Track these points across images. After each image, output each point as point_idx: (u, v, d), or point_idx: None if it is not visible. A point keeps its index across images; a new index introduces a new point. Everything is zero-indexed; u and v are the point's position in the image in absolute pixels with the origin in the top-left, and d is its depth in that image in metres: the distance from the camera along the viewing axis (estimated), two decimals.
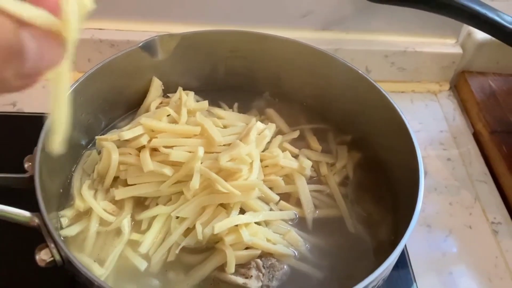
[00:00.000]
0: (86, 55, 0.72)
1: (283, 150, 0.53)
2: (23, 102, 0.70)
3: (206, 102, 0.55)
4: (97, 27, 0.72)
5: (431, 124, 0.77)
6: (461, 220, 0.65)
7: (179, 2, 0.70)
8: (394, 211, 0.50)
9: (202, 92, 0.60)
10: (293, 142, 0.56)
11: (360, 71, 0.54)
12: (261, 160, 0.51)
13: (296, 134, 0.56)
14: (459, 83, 0.84)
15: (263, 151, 0.52)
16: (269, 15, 0.73)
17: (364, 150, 0.57)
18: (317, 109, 0.60)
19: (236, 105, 0.60)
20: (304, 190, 0.50)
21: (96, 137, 0.53)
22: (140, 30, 0.73)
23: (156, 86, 0.57)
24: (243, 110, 0.60)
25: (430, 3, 0.66)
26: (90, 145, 0.55)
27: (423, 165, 0.71)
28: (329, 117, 0.60)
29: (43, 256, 0.39)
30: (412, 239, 0.60)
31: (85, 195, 0.49)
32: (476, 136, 0.77)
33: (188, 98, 0.55)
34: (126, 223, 0.48)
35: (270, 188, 0.50)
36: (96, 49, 0.73)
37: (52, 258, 0.39)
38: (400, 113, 0.50)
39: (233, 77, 0.61)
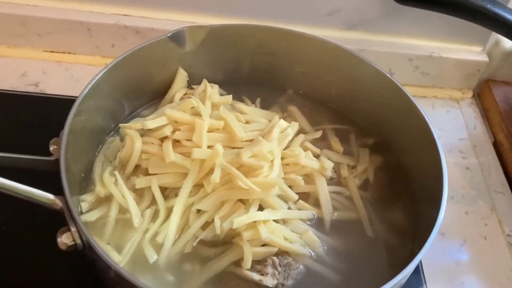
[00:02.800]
0: (110, 40, 0.73)
1: (305, 149, 0.53)
2: (46, 83, 0.70)
3: (230, 97, 0.56)
4: (122, 13, 0.72)
5: (451, 131, 0.77)
6: (476, 230, 0.65)
7: None
8: (413, 218, 0.50)
9: (225, 86, 0.60)
10: (315, 142, 0.56)
11: (387, 74, 0.54)
12: (282, 158, 0.51)
13: (318, 134, 0.56)
14: (482, 92, 0.83)
15: (284, 149, 0.52)
16: (295, 11, 0.72)
17: (386, 154, 0.56)
18: (340, 110, 0.60)
19: (258, 100, 0.60)
20: (324, 190, 0.50)
21: (120, 124, 0.53)
22: (165, 19, 0.73)
23: (181, 77, 0.58)
24: (265, 106, 0.60)
25: (461, 9, 0.65)
26: (113, 132, 0.56)
27: None
28: (352, 119, 0.59)
29: (64, 240, 0.40)
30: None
31: (107, 181, 0.49)
32: (497, 146, 0.76)
33: (213, 91, 0.55)
34: (146, 212, 0.48)
35: (290, 187, 0.50)
36: (120, 35, 0.72)
37: (73, 242, 0.40)
38: (427, 120, 0.49)
39: (257, 72, 0.61)
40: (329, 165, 0.51)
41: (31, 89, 0.68)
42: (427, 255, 0.59)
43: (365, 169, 0.55)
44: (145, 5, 0.72)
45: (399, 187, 0.53)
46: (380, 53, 0.76)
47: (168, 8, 0.72)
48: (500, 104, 0.79)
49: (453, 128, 0.77)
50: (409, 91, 0.78)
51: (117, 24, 0.71)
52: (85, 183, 0.51)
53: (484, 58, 0.78)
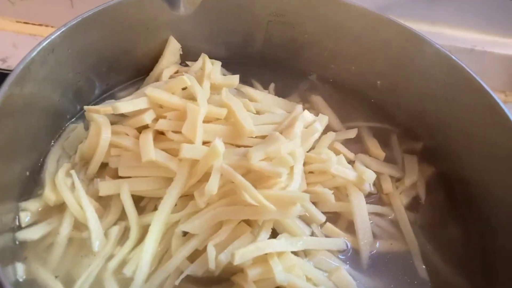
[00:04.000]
0: None
1: (335, 152, 0.39)
2: (15, 59, 0.58)
3: (236, 77, 0.41)
4: None
5: None
6: None
7: None
8: (484, 253, 0.36)
9: (229, 65, 0.46)
10: (346, 143, 0.42)
11: (456, 59, 0.40)
12: (305, 164, 0.37)
13: (353, 133, 0.42)
14: None
15: (308, 151, 0.38)
16: None
17: (440, 164, 0.42)
18: (381, 103, 0.46)
19: (272, 85, 0.46)
20: (362, 211, 0.36)
21: (85, 106, 0.39)
22: None
23: (173, 49, 0.44)
24: (281, 93, 0.45)
25: None
26: (77, 117, 0.42)
27: None
28: (395, 116, 0.45)
29: None
30: None
31: (60, 183, 0.35)
32: None
33: (213, 69, 0.41)
34: (111, 230, 0.34)
35: (314, 204, 0.36)
36: None
37: None
38: None
39: (273, 49, 0.47)
40: (371, 176, 0.37)
41: None
42: None
43: (414, 183, 0.40)
44: None
45: (465, 213, 0.39)
46: None
47: None
48: None
49: None
50: None
51: None
52: (31, 185, 0.37)
53: None
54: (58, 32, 0.36)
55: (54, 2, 0.62)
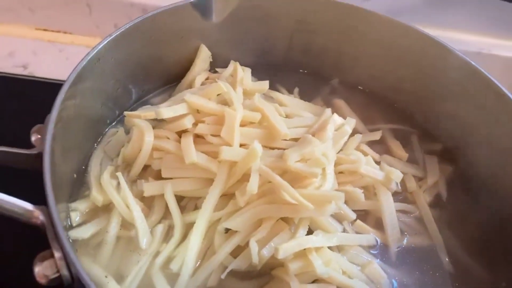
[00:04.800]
0: (113, 19, 0.63)
1: (362, 154, 0.41)
2: (36, 65, 0.61)
3: (266, 83, 0.44)
4: None
5: None
6: None
7: None
8: (505, 251, 0.39)
9: (256, 71, 0.49)
10: (369, 145, 0.45)
11: (473, 63, 0.42)
12: (335, 165, 0.39)
13: (377, 135, 0.45)
14: None
15: (337, 153, 0.40)
16: None
17: (459, 163, 0.45)
18: (401, 106, 0.48)
19: (296, 90, 0.49)
20: (390, 209, 0.39)
21: (125, 112, 0.41)
22: None
23: (204, 57, 0.46)
24: (305, 97, 0.48)
25: None
26: (116, 121, 0.44)
27: None
28: (415, 118, 0.48)
29: (45, 270, 0.28)
30: None
31: (106, 185, 0.37)
32: None
33: (245, 75, 0.43)
34: (156, 228, 0.36)
35: (344, 202, 0.39)
36: (124, 13, 0.63)
37: (57, 274, 0.28)
38: None
39: (297, 55, 0.50)
40: (398, 176, 0.40)
41: (19, 71, 0.61)
42: None
43: (435, 182, 0.43)
44: None
45: (482, 208, 0.42)
46: None
47: None
48: None
49: None
50: None
51: (122, 1, 0.62)
52: (78, 187, 0.39)
53: None
54: (105, 42, 0.38)
55: (73, 10, 0.63)
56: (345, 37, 0.47)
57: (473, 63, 0.43)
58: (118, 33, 0.39)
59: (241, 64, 0.47)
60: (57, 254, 0.28)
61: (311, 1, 0.45)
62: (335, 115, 0.41)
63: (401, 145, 0.45)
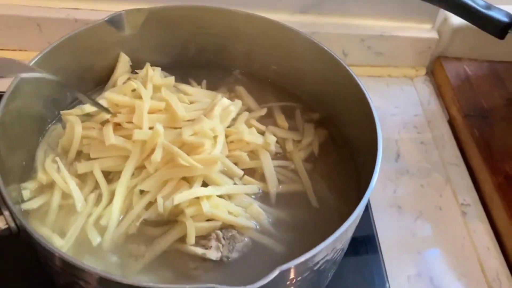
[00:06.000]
0: (61, 34, 0.71)
1: (250, 126, 0.53)
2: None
3: (172, 78, 0.55)
4: (72, 7, 0.71)
5: (406, 108, 0.78)
6: (431, 201, 0.66)
7: None
8: (358, 186, 0.51)
9: (172, 69, 0.60)
10: (261, 119, 0.56)
11: (324, 47, 0.54)
12: (227, 136, 0.51)
13: (263, 111, 0.56)
14: (435, 68, 0.84)
15: (228, 127, 0.52)
16: None
17: (331, 128, 0.57)
18: (286, 87, 0.60)
19: (204, 82, 0.60)
20: (268, 165, 0.50)
21: (61, 111, 0.52)
22: (119, 10, 0.72)
23: (124, 62, 0.57)
24: (213, 87, 0.59)
25: None
26: (56, 120, 0.55)
27: (397, 148, 0.72)
28: (298, 95, 0.60)
29: None
30: (382, 220, 0.61)
31: (48, 168, 0.48)
32: (450, 120, 0.78)
33: (154, 74, 0.55)
34: (89, 197, 0.47)
35: (235, 164, 0.50)
36: (71, 28, 0.70)
37: (7, 226, 0.39)
38: (364, 91, 0.49)
39: (203, 53, 0.61)
40: (272, 139, 0.51)
41: None
42: (384, 229, 0.61)
43: (310, 143, 0.55)
44: None
45: (344, 159, 0.54)
46: (333, 35, 0.76)
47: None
48: (452, 80, 0.81)
49: (408, 105, 0.79)
50: (363, 71, 0.82)
51: (67, 18, 0.70)
52: (27, 171, 0.50)
53: (434, 35, 0.80)
54: (37, 58, 0.48)
55: (25, 30, 0.71)
56: (236, 36, 0.58)
57: (323, 46, 0.54)
58: (46, 51, 0.49)
59: (159, 65, 0.58)
60: (5, 212, 0.39)
61: (206, 11, 0.56)
62: (224, 98, 0.53)
63: (286, 117, 0.57)
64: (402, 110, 0.78)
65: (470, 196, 0.68)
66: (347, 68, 0.52)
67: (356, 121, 0.52)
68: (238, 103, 0.54)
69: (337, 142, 0.55)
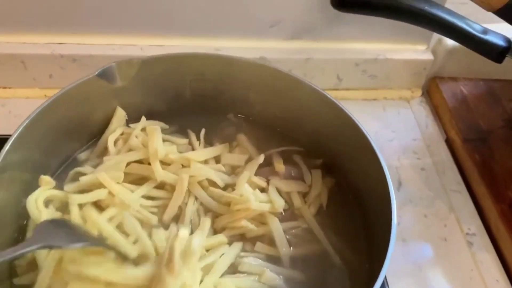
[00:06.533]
0: (47, 71, 0.69)
1: (250, 182, 0.50)
2: None
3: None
4: (57, 42, 0.69)
5: (404, 132, 0.77)
6: (436, 232, 0.65)
7: (141, 13, 0.67)
8: (365, 235, 0.49)
9: (168, 117, 0.57)
10: (261, 166, 0.54)
11: (321, 90, 0.52)
12: (231, 204, 0.48)
13: (261, 159, 0.53)
14: (430, 89, 0.83)
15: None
16: (237, 25, 0.70)
17: (335, 174, 0.55)
18: (287, 132, 0.58)
19: (203, 132, 0.57)
20: (278, 230, 0.48)
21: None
22: (104, 44, 0.69)
23: (119, 116, 0.54)
24: (212, 135, 0.57)
25: (400, 13, 0.65)
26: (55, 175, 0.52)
27: (398, 176, 0.71)
28: (299, 140, 0.58)
29: None
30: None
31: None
32: (449, 143, 0.77)
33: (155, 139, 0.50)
34: None
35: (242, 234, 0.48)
36: (57, 64, 0.69)
37: None
38: (364, 132, 0.48)
39: (200, 99, 0.58)
40: (280, 204, 0.49)
41: None
42: (390, 263, 0.59)
43: (318, 194, 0.53)
44: (81, 31, 0.68)
45: (352, 209, 0.52)
46: (327, 60, 0.75)
47: (105, 32, 0.69)
48: (448, 101, 0.80)
49: (405, 129, 0.78)
50: (359, 95, 0.80)
51: (52, 54, 0.68)
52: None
53: (429, 56, 0.79)
54: (26, 122, 0.45)
55: (9, 67, 0.69)
56: (233, 82, 0.56)
57: (316, 87, 0.52)
58: (33, 115, 0.46)
59: (155, 113, 0.56)
60: None
61: (200, 58, 0.54)
62: (181, 232, 0.41)
63: (290, 163, 0.55)
64: (400, 134, 0.77)
65: (475, 224, 0.67)
66: (350, 115, 0.50)
67: (358, 165, 0.50)
68: (197, 239, 0.42)
69: (343, 190, 0.54)
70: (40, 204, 0.44)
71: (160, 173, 0.48)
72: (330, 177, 0.55)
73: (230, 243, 0.47)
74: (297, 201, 0.52)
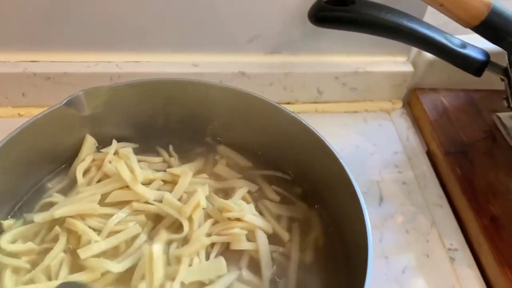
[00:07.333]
0: (20, 89, 0.68)
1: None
2: None
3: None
4: (29, 59, 0.67)
5: (385, 145, 0.76)
6: (418, 249, 0.65)
7: (116, 29, 0.65)
8: (347, 272, 0.48)
9: (141, 140, 0.56)
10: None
11: (294, 115, 0.51)
12: (224, 211, 0.48)
13: (254, 188, 0.53)
14: (411, 101, 0.83)
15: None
16: (215, 40, 0.69)
17: (316, 204, 0.54)
18: (266, 157, 0.57)
19: (171, 147, 0.56)
20: (265, 250, 0.48)
21: None
22: (78, 61, 0.68)
23: (89, 144, 0.53)
24: (189, 159, 0.56)
25: (378, 28, 0.64)
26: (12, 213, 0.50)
27: (379, 190, 0.70)
28: (282, 166, 0.56)
29: None
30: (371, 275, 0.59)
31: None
32: (430, 156, 0.77)
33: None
34: None
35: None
36: (30, 83, 0.67)
37: None
38: (338, 158, 0.47)
39: (174, 124, 0.57)
40: (269, 226, 0.49)
41: None
42: (373, 283, 0.58)
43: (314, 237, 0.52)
44: (54, 48, 0.66)
45: (332, 241, 0.51)
46: (306, 74, 0.75)
47: (79, 50, 0.67)
48: (429, 113, 0.79)
49: (387, 141, 0.77)
50: (339, 107, 0.80)
51: (25, 72, 0.66)
52: None
53: (409, 68, 0.79)
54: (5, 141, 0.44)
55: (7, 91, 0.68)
56: (207, 107, 0.54)
57: (289, 111, 0.51)
58: (5, 141, 0.45)
59: (128, 138, 0.54)
60: None
61: (173, 83, 0.52)
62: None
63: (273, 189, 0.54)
64: (381, 147, 0.76)
65: (457, 239, 0.67)
66: (332, 148, 0.49)
67: (342, 202, 0.49)
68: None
69: (325, 219, 0.52)
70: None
71: (147, 194, 0.48)
72: (311, 205, 0.53)
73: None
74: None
